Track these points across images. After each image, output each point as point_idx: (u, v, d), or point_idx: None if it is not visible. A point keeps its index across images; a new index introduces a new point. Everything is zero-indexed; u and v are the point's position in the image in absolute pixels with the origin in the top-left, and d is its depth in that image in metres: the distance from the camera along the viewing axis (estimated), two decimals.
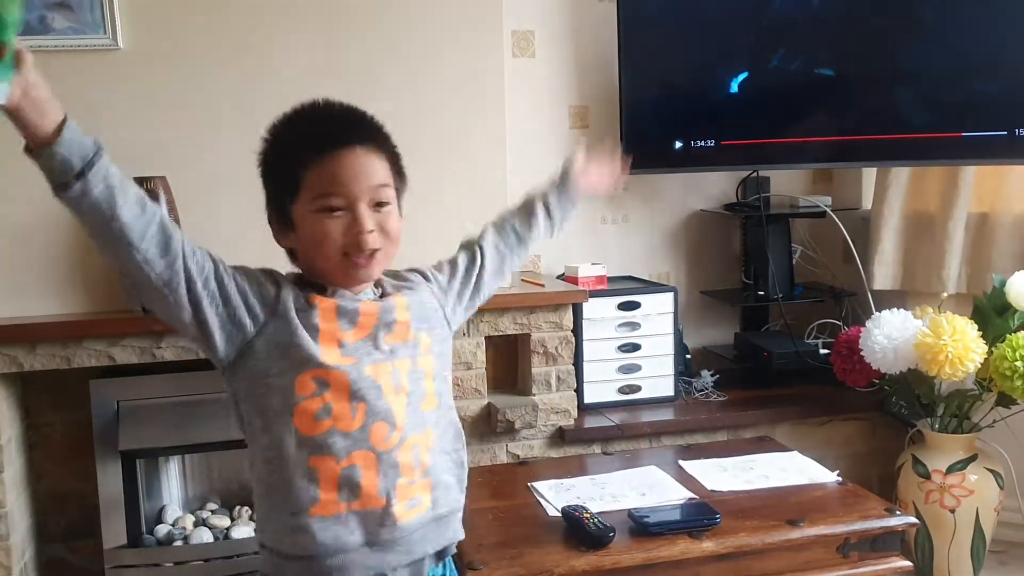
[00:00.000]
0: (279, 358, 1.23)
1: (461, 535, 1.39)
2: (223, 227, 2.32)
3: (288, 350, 1.23)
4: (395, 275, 1.40)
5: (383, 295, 1.35)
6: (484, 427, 2.51)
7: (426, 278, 1.43)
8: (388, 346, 1.29)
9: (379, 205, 1.27)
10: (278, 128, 1.31)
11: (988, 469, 2.49)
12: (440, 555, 1.37)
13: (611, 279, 2.81)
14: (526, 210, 1.58)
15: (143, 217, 1.14)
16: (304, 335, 1.23)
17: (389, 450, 1.25)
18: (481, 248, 1.51)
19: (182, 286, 1.17)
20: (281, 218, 1.30)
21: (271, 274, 1.31)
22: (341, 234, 1.24)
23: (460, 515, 1.39)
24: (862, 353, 2.53)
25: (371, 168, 1.26)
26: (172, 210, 2.22)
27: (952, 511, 2.47)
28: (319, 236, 1.25)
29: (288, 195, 1.27)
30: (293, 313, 1.25)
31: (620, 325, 2.72)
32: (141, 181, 2.17)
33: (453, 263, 1.49)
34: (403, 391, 1.28)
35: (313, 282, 1.31)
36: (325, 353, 1.24)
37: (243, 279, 1.25)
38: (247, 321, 1.23)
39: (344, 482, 1.24)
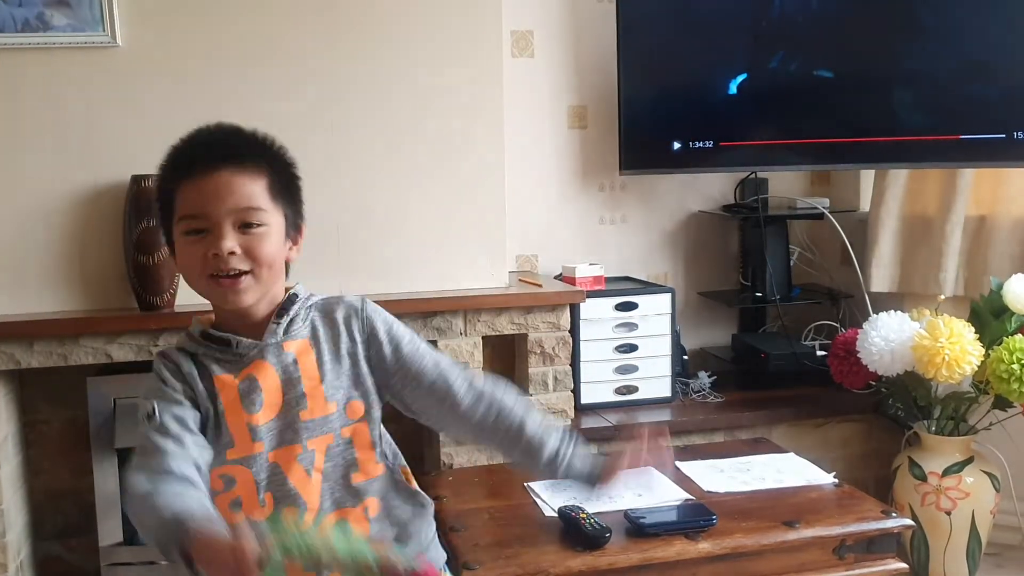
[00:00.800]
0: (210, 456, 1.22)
1: (434, 564, 1.32)
2: None
3: (210, 446, 1.22)
4: (323, 307, 1.31)
5: (287, 331, 1.26)
6: None
7: (368, 335, 1.30)
8: (304, 423, 1.23)
9: (247, 227, 1.21)
10: (167, 153, 1.30)
11: (984, 472, 2.50)
12: None
13: (609, 279, 2.81)
14: (524, 440, 1.36)
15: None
16: (214, 430, 1.22)
17: (306, 531, 1.20)
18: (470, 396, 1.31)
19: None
20: (170, 245, 1.28)
21: (176, 374, 1.25)
22: (203, 256, 1.20)
23: (429, 548, 1.36)
24: (859, 355, 2.53)
25: (236, 190, 1.21)
26: None
27: (948, 513, 2.47)
28: (186, 259, 1.23)
29: (167, 218, 1.26)
30: (203, 402, 1.22)
31: (617, 326, 2.72)
32: (138, 179, 2.19)
33: (424, 359, 1.32)
34: (316, 470, 1.23)
35: (218, 336, 1.26)
36: (231, 446, 1.22)
37: (179, 411, 1.22)
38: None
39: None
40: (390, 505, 1.31)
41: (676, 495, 2.15)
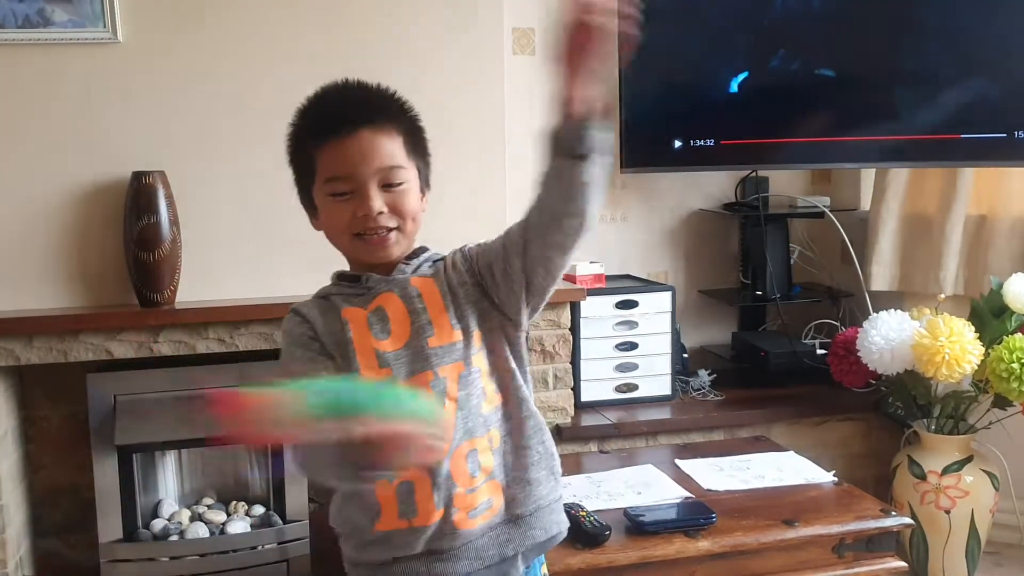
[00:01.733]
0: None
1: (556, 529, 1.32)
2: (221, 221, 2.33)
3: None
4: (443, 257, 1.37)
5: (415, 271, 1.31)
6: None
7: (466, 258, 1.34)
8: (432, 350, 1.24)
9: (389, 185, 1.26)
10: (301, 110, 1.33)
11: (983, 471, 2.50)
12: (529, 555, 1.31)
13: (609, 278, 2.81)
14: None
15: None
16: (345, 357, 1.24)
17: (439, 462, 1.21)
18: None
19: None
20: (307, 202, 1.32)
21: (300, 320, 1.30)
22: (351, 216, 1.24)
23: (552, 509, 1.32)
24: (859, 354, 2.53)
25: (378, 150, 1.25)
26: (171, 204, 2.22)
27: (947, 512, 2.48)
28: (332, 219, 1.27)
29: (307, 178, 1.29)
30: (330, 340, 1.26)
31: (618, 324, 2.72)
32: (139, 176, 2.19)
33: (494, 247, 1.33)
34: (451, 398, 1.24)
35: (350, 274, 1.33)
36: (361, 370, 1.24)
37: (304, 354, 1.26)
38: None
39: (400, 499, 1.24)
40: (512, 439, 1.29)
41: (676, 493, 2.15)
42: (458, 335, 1.26)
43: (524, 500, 1.28)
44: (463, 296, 1.29)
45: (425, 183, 1.36)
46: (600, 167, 1.21)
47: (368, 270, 1.30)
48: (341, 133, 1.25)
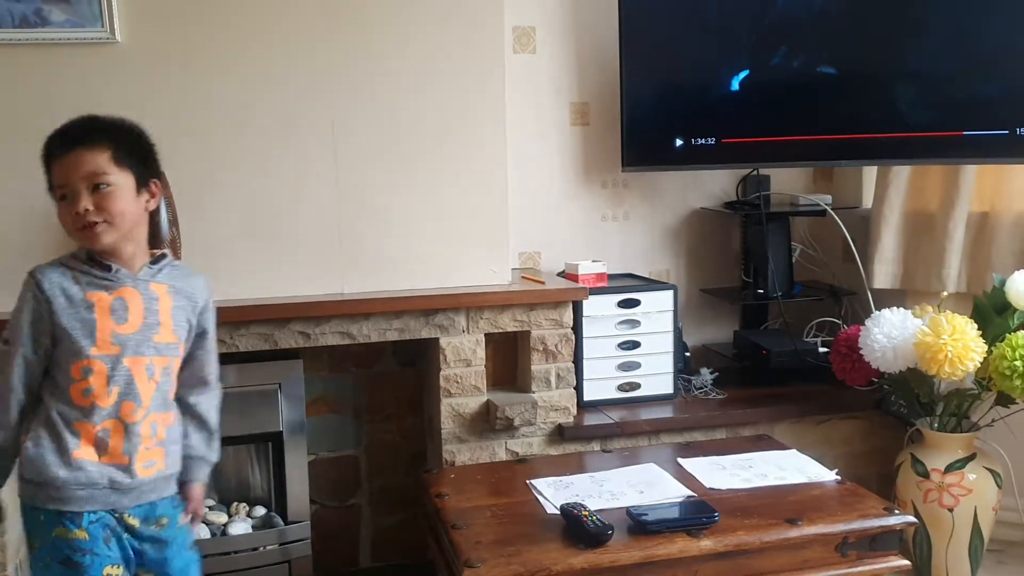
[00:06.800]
0: (65, 353, 1.61)
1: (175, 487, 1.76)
2: (221, 222, 2.32)
3: (69, 347, 1.60)
4: (182, 270, 1.75)
5: (158, 273, 1.67)
6: (483, 424, 2.51)
7: (200, 321, 1.75)
8: (155, 345, 1.65)
9: (97, 188, 1.58)
10: (47, 137, 1.65)
11: (987, 468, 2.49)
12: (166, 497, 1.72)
13: (611, 276, 2.81)
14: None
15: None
16: (77, 334, 1.59)
17: (134, 422, 1.63)
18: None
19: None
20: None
21: (43, 298, 1.60)
22: (69, 214, 1.58)
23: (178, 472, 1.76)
24: (861, 352, 2.53)
25: (87, 162, 1.58)
26: (170, 205, 2.21)
27: (950, 510, 2.47)
28: (61, 217, 1.61)
29: (50, 187, 1.62)
30: (66, 318, 1.59)
31: (620, 323, 2.72)
32: None
33: (198, 343, 1.77)
34: (155, 381, 1.66)
35: (102, 262, 1.63)
36: (94, 345, 1.60)
37: (33, 337, 1.62)
38: (47, 345, 1.63)
39: (98, 442, 1.62)
40: (177, 425, 1.75)
41: (678, 492, 2.15)
42: (175, 339, 1.69)
43: (172, 464, 1.71)
44: (183, 320, 1.71)
45: (144, 186, 1.65)
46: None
47: (112, 261, 1.63)
48: (61, 151, 1.59)
